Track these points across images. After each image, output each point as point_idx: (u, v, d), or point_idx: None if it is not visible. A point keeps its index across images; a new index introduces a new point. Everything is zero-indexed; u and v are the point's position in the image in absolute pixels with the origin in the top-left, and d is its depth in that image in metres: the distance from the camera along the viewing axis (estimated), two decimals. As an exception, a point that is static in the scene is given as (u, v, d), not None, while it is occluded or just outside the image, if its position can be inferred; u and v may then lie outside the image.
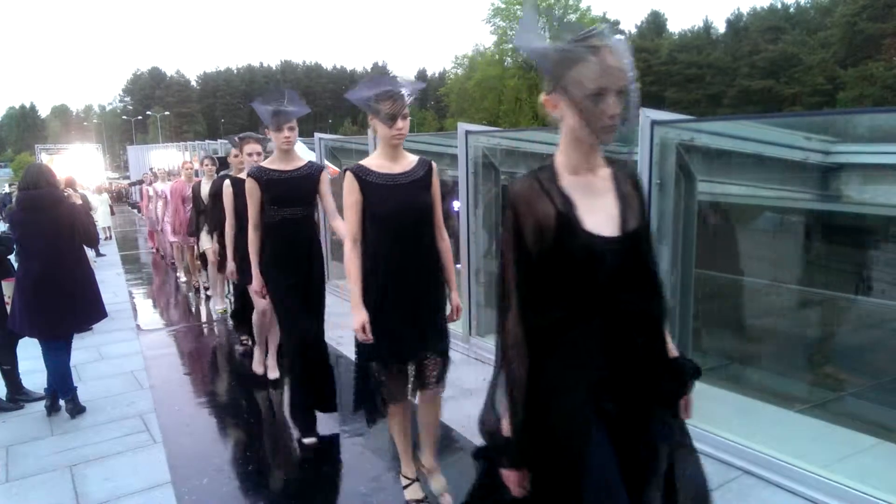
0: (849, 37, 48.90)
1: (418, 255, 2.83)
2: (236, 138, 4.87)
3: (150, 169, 16.37)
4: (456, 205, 5.58)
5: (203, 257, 7.39)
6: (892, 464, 3.35)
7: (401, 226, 2.78)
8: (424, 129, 66.13)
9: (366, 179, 2.78)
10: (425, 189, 2.90)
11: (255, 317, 4.94)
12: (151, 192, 11.54)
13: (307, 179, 3.83)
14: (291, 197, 3.75)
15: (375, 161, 2.85)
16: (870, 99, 42.07)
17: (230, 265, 4.90)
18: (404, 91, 2.73)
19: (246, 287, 4.72)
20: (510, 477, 1.65)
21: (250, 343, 5.63)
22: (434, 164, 2.94)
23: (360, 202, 2.78)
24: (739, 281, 6.22)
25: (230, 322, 6.44)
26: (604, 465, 1.55)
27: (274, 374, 5.02)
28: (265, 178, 3.72)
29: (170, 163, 16.53)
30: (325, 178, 3.88)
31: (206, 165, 6.83)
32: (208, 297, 8.12)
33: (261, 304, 4.59)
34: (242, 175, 4.82)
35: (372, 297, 2.77)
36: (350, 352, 3.73)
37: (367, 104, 2.74)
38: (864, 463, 3.31)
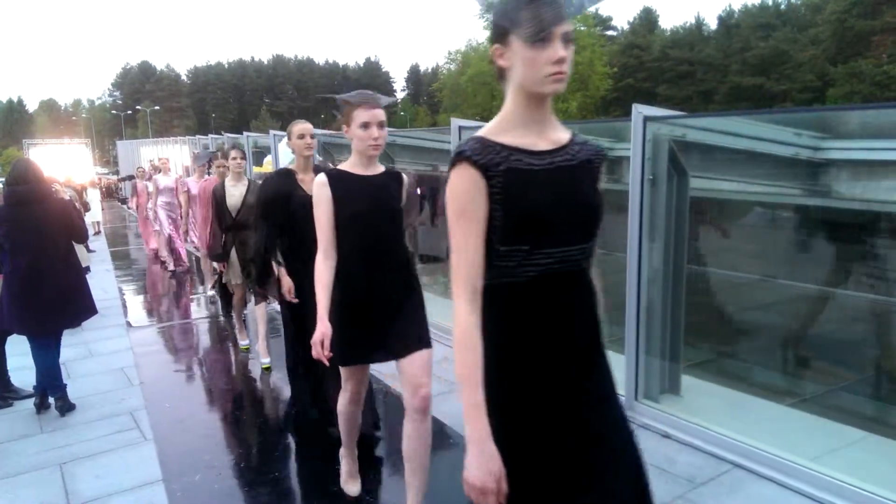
0: (839, 34, 49.16)
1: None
2: (340, 99, 2.66)
3: (150, 161, 14.36)
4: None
5: (225, 290, 5.74)
6: (880, 456, 3.38)
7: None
8: (417, 124, 65.95)
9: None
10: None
11: (342, 403, 2.91)
12: (151, 188, 10.40)
13: (588, 171, 1.62)
14: (571, 214, 1.54)
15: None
16: (859, 95, 42.33)
17: (322, 329, 2.54)
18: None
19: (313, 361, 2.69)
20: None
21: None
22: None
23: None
24: (730, 276, 6.26)
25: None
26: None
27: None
28: (506, 168, 1.49)
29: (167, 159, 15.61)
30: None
31: (235, 159, 5.18)
32: (222, 310, 6.68)
33: (353, 383, 2.80)
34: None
35: None
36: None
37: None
38: (853, 456, 3.34)
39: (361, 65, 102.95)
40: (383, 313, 2.59)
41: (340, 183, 2.64)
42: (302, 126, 3.65)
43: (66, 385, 4.47)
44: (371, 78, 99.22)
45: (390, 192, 2.70)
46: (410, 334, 2.62)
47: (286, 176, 3.65)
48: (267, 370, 5.13)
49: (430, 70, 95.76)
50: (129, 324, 6.96)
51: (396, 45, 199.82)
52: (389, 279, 2.61)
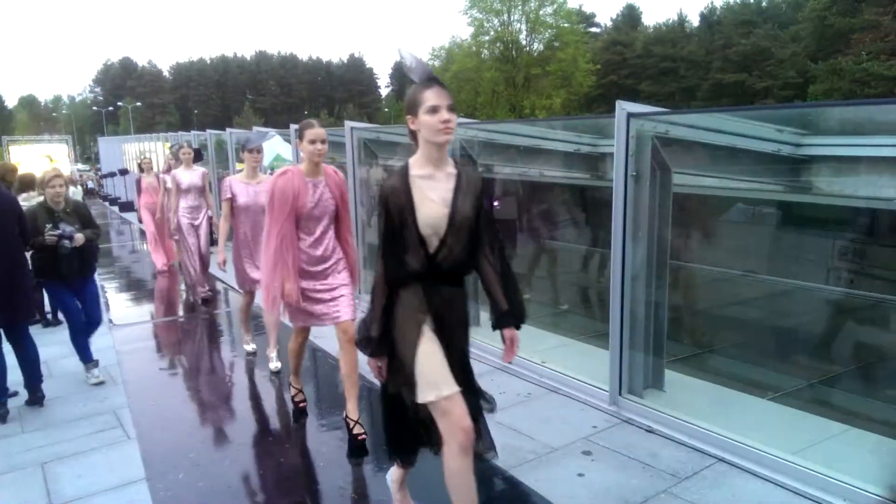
0: (819, 31, 49.59)
1: None
2: None
3: (172, 148, 10.73)
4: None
5: (397, 412, 2.60)
6: (860, 449, 3.43)
7: None
8: (402, 121, 65.67)
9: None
10: None
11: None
12: (169, 183, 7.83)
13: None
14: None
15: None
16: (839, 92, 42.75)
17: None
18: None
19: None
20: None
21: None
22: None
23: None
24: (712, 272, 6.31)
25: None
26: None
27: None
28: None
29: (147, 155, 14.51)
30: None
31: (434, 110, 2.33)
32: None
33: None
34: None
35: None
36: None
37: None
38: (834, 449, 3.39)
39: (345, 61, 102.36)
40: None
41: None
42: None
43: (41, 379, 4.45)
44: (355, 74, 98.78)
45: None
46: None
47: None
48: None
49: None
50: (111, 322, 6.87)
51: (380, 41, 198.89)
52: None
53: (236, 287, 5.65)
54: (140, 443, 3.83)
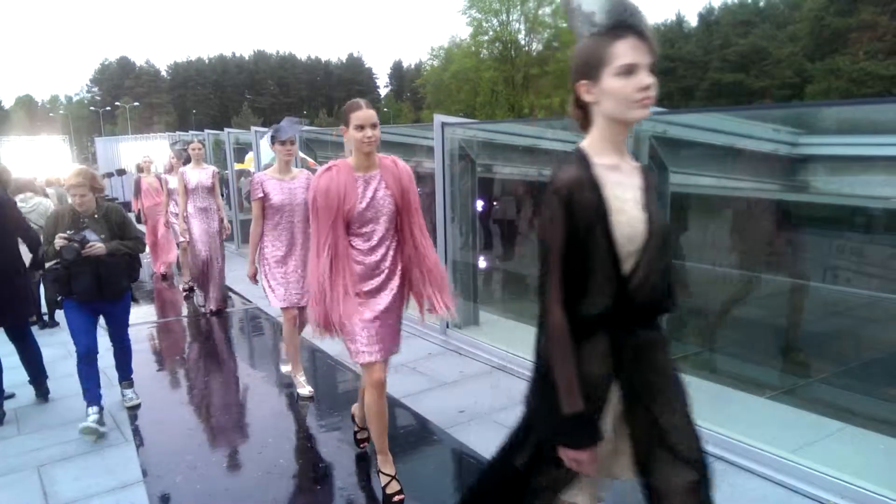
0: (816, 31, 49.79)
1: None
2: None
3: (174, 145, 9.63)
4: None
5: None
6: (857, 447, 3.44)
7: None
8: (400, 120, 65.83)
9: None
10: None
11: None
12: (172, 183, 7.59)
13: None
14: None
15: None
16: (836, 92, 42.87)
17: None
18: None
19: None
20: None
21: None
22: None
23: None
24: (710, 270, 6.32)
25: None
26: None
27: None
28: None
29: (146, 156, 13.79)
30: None
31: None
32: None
33: None
34: None
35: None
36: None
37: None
38: (831, 447, 3.39)
39: (344, 60, 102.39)
40: None
41: None
42: None
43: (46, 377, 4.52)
44: (354, 74, 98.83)
45: None
46: None
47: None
48: None
49: (412, 66, 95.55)
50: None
51: (379, 40, 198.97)
52: None
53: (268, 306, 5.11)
54: (137, 445, 3.83)
